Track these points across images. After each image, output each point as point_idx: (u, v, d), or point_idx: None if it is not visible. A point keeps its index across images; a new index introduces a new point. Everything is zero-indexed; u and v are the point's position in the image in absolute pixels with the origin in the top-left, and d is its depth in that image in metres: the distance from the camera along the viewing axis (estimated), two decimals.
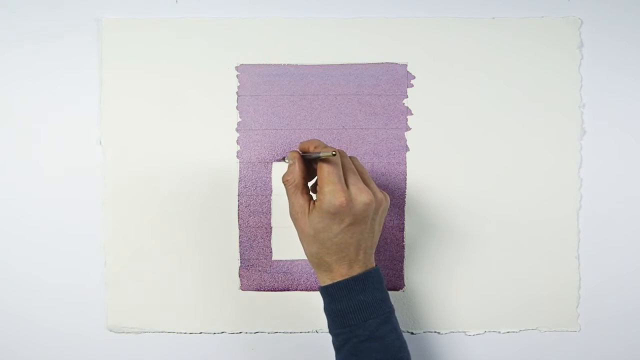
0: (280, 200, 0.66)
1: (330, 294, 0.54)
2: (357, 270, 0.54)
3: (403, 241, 0.66)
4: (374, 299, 0.54)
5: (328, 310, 0.54)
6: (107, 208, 0.65)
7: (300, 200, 0.54)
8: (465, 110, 0.66)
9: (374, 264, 0.56)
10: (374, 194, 0.53)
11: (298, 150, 0.57)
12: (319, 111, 0.66)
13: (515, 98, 0.66)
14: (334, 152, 0.51)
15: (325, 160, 0.52)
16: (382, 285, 0.55)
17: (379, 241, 0.66)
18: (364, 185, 0.53)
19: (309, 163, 0.56)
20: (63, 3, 0.65)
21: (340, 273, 0.53)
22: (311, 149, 0.55)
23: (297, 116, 0.66)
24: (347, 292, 0.53)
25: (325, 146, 0.54)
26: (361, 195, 0.52)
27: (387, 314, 0.54)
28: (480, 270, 0.67)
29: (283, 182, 0.55)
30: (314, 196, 0.55)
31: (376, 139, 0.66)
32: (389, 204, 0.56)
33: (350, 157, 0.56)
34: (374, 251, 0.56)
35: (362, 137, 0.66)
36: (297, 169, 0.55)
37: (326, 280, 0.54)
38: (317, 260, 0.54)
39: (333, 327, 0.54)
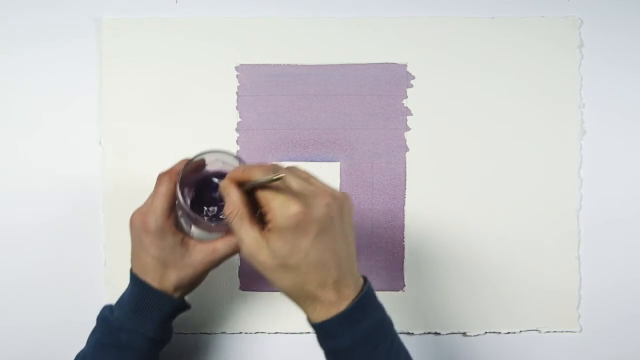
0: None
1: (327, 330, 0.46)
2: (348, 292, 0.46)
3: (403, 241, 0.66)
4: (377, 322, 0.47)
5: (327, 347, 0.47)
6: (107, 208, 0.65)
7: (252, 232, 0.45)
8: (464, 111, 0.66)
9: (361, 277, 0.48)
10: (330, 193, 0.45)
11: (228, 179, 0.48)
12: (319, 111, 0.66)
13: (515, 98, 0.66)
14: (279, 176, 0.43)
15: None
16: (377, 300, 0.48)
17: (379, 241, 0.66)
18: (317, 187, 0.45)
19: (248, 194, 0.47)
20: (63, 3, 0.66)
21: (330, 300, 0.45)
22: (239, 177, 0.47)
23: (297, 116, 0.66)
24: (348, 324, 0.46)
25: (260, 166, 0.46)
26: (317, 198, 0.44)
27: (392, 335, 0.48)
28: (480, 271, 0.66)
29: (226, 217, 0.47)
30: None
31: (376, 139, 0.66)
32: (351, 204, 0.48)
33: (287, 168, 0.47)
34: (356, 262, 0.48)
35: (362, 137, 0.66)
36: (235, 196, 0.46)
37: (318, 314, 0.46)
38: (298, 293, 0.46)
39: None
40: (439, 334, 0.66)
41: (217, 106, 0.66)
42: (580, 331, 0.67)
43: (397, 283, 0.66)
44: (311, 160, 0.66)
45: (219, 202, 0.54)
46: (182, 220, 0.55)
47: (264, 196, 0.45)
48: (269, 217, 0.45)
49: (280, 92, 0.66)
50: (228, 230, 0.53)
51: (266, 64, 0.66)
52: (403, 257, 0.66)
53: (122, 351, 0.52)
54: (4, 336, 0.65)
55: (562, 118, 0.66)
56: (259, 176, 0.45)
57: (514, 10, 0.67)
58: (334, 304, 0.45)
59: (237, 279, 0.66)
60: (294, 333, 0.66)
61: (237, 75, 0.66)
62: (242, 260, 0.66)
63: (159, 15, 0.66)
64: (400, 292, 0.66)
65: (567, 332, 0.67)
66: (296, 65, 0.66)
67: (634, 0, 0.67)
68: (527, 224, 0.66)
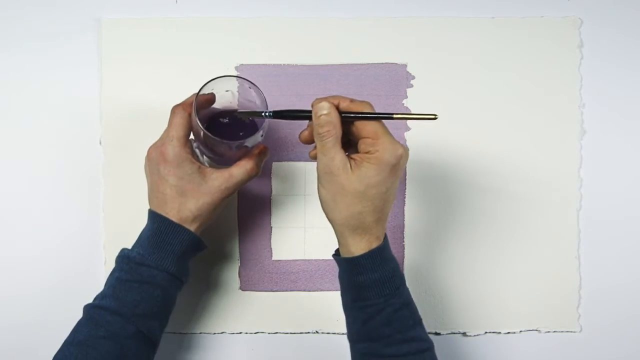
0: (280, 200, 0.66)
1: (361, 263, 0.50)
2: (384, 231, 0.52)
3: (403, 241, 0.66)
4: (397, 265, 0.52)
5: (356, 282, 0.51)
6: (107, 207, 0.65)
7: (341, 154, 0.49)
8: (464, 111, 0.66)
9: None
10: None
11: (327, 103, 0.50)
12: None
13: (514, 98, 0.66)
14: (434, 116, 0.49)
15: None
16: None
17: None
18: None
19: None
20: (63, 3, 0.66)
21: (376, 235, 0.50)
22: (344, 105, 0.50)
23: None
24: (380, 260, 0.50)
25: (360, 101, 0.51)
26: (406, 148, 0.50)
27: (405, 284, 0.53)
28: (480, 271, 0.66)
29: (317, 135, 0.50)
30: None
31: None
32: None
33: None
34: None
35: None
36: (336, 118, 0.49)
37: (359, 246, 0.50)
38: (355, 223, 0.50)
39: (362, 300, 0.51)
40: (439, 334, 0.66)
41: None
42: (580, 331, 0.67)
43: None
44: (311, 160, 0.66)
45: (230, 135, 0.55)
46: (198, 152, 0.57)
47: (373, 129, 0.49)
48: (373, 148, 0.49)
49: (280, 92, 0.66)
50: (241, 157, 0.55)
51: (266, 64, 0.66)
52: (403, 257, 0.66)
53: (143, 285, 0.52)
54: (2, 338, 0.65)
55: (562, 118, 0.66)
56: (369, 110, 0.50)
57: (514, 10, 0.67)
58: (377, 239, 0.51)
59: (237, 279, 0.66)
60: (294, 333, 0.66)
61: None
62: (242, 260, 0.66)
63: (159, 15, 0.66)
64: None
65: (567, 332, 0.67)
66: (296, 65, 0.66)
67: (634, 0, 0.67)
68: (527, 223, 0.66)
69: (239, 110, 0.55)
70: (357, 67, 0.66)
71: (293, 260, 0.66)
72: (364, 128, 0.49)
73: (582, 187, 0.66)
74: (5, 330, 0.65)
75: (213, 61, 0.66)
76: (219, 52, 0.66)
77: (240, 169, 0.55)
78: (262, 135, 0.55)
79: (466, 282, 0.66)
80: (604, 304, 0.67)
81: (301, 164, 0.66)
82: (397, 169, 0.49)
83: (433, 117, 0.49)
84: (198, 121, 0.52)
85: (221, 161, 0.58)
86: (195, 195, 0.54)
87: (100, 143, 0.65)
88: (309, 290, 0.66)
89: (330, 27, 0.66)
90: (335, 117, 0.49)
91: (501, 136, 0.66)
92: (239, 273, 0.66)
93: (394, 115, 0.50)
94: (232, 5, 0.66)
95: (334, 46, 0.66)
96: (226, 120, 0.58)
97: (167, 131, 0.55)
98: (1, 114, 0.65)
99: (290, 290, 0.66)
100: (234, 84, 0.55)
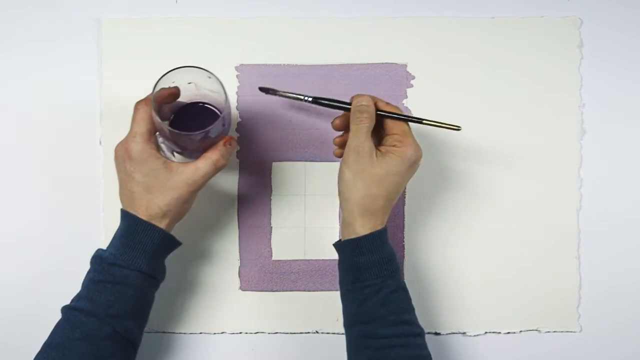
0: (280, 200, 0.66)
1: (362, 245, 0.53)
2: (387, 217, 0.56)
3: (403, 241, 0.66)
4: (394, 251, 0.56)
5: (359, 263, 0.53)
6: (107, 208, 0.65)
7: (370, 142, 0.55)
8: (464, 111, 0.66)
9: None
10: None
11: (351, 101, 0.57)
12: (319, 111, 0.66)
13: (515, 98, 0.66)
14: (458, 128, 0.58)
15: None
16: None
17: None
18: None
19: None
20: (63, 3, 0.66)
21: (381, 219, 0.55)
22: (380, 105, 0.57)
23: (297, 116, 0.66)
24: (380, 243, 0.54)
25: (394, 105, 0.58)
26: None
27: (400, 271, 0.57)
28: (480, 271, 0.66)
29: (355, 118, 0.56)
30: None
31: None
32: None
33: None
34: None
35: None
36: (373, 109, 0.56)
37: (364, 227, 0.54)
38: (368, 204, 0.54)
39: (360, 281, 0.53)
40: (439, 334, 0.66)
41: None
42: (580, 331, 0.67)
43: None
44: (311, 160, 0.66)
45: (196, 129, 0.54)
46: (164, 147, 0.57)
47: (402, 128, 0.56)
48: (399, 143, 0.55)
49: None
50: (207, 149, 0.54)
51: (266, 64, 0.66)
52: (403, 258, 0.66)
53: (116, 286, 0.52)
54: (4, 338, 0.65)
55: (562, 118, 0.67)
56: (399, 112, 0.57)
57: (514, 10, 0.67)
58: (381, 224, 0.55)
59: (237, 279, 0.66)
60: (294, 333, 0.66)
61: (237, 75, 0.66)
62: (242, 260, 0.66)
63: (159, 15, 0.66)
64: None
65: (567, 332, 0.67)
66: (296, 65, 0.66)
67: (634, 0, 0.67)
68: (527, 224, 0.66)
69: (279, 92, 0.60)
70: (357, 67, 0.66)
71: (293, 260, 0.66)
72: (394, 126, 0.56)
73: (582, 187, 0.66)
74: (4, 330, 0.65)
75: (213, 61, 0.66)
76: (219, 52, 0.66)
77: (206, 161, 0.54)
78: (224, 125, 0.54)
79: (466, 282, 0.66)
80: (604, 304, 0.67)
81: (301, 164, 0.66)
82: (414, 167, 0.55)
83: (457, 128, 0.58)
84: (156, 115, 0.51)
85: (188, 155, 0.57)
86: (163, 191, 0.53)
87: (100, 143, 0.65)
88: (309, 290, 0.66)
89: (330, 27, 0.66)
90: (372, 110, 0.56)
91: (501, 136, 0.66)
92: (239, 273, 0.66)
93: (423, 121, 0.58)
94: (232, 5, 0.66)
95: (334, 46, 0.66)
96: (196, 105, 0.57)
97: (130, 128, 0.54)
98: (1, 114, 0.65)
99: (290, 290, 0.66)
100: (197, 76, 0.53)
